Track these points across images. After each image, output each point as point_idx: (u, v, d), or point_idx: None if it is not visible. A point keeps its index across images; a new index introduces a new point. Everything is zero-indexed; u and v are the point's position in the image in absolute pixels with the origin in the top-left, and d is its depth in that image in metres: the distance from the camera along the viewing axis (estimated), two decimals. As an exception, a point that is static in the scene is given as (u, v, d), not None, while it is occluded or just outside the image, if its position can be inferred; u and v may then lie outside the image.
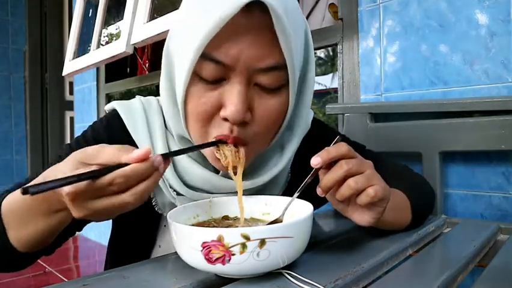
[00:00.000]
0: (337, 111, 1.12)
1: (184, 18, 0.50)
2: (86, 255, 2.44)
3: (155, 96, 0.64)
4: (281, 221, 0.49)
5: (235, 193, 0.57)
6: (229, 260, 0.39)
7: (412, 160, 0.94)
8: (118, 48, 1.73)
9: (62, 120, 3.36)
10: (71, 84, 3.16)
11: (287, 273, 0.43)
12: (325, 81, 3.37)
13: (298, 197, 0.50)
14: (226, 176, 0.57)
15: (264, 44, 0.46)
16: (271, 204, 0.54)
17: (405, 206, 0.62)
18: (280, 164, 0.60)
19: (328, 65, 3.42)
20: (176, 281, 0.43)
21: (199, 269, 0.42)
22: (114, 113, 0.62)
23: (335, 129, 0.80)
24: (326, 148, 0.47)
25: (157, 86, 0.86)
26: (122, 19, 1.79)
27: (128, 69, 2.65)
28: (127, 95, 2.43)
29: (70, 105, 3.22)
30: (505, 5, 0.88)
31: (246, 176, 0.53)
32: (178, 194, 0.58)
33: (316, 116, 0.72)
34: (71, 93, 3.03)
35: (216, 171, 0.57)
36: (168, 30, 0.55)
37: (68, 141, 3.25)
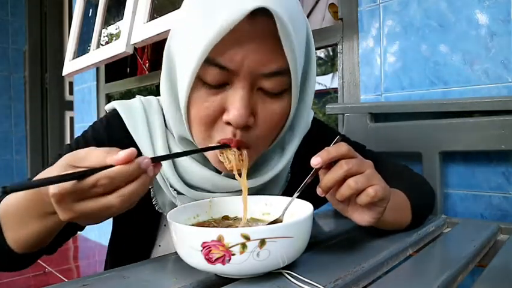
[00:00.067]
0: (337, 111, 1.12)
1: (186, 18, 0.50)
2: (86, 255, 2.44)
3: (156, 96, 0.64)
4: (281, 221, 0.49)
5: (235, 192, 0.57)
6: (229, 260, 0.39)
7: (412, 160, 0.94)
8: (118, 48, 1.73)
9: (62, 120, 3.36)
10: (71, 84, 3.16)
11: (287, 273, 0.43)
12: (325, 81, 3.37)
13: (298, 197, 0.50)
14: (227, 175, 0.57)
15: (268, 49, 0.46)
16: (271, 204, 0.54)
17: (405, 206, 0.62)
18: (280, 163, 0.60)
19: (328, 65, 3.42)
20: (176, 281, 0.43)
21: (199, 269, 0.42)
22: (114, 113, 0.62)
23: (335, 129, 0.80)
24: (326, 148, 0.47)
25: (157, 86, 0.86)
26: (122, 19, 1.79)
27: (128, 69, 2.65)
28: (127, 95, 2.43)
29: (69, 105, 3.22)
30: (505, 5, 0.88)
31: (247, 175, 0.53)
32: (179, 193, 0.58)
33: (317, 116, 0.72)
34: (71, 93, 3.03)
35: (217, 171, 0.57)
36: (168, 30, 0.55)
37: (68, 141, 3.25)
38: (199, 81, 0.48)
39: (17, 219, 0.48)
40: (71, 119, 3.19)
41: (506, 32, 0.88)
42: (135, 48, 1.74)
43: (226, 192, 0.58)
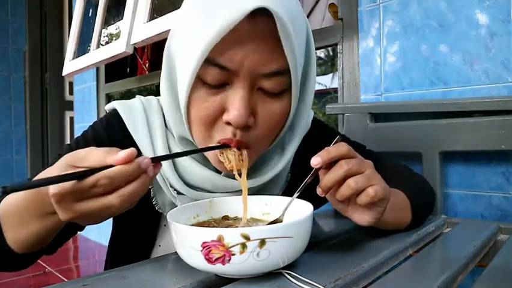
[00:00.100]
0: (337, 111, 1.12)
1: (186, 18, 0.50)
2: (86, 255, 2.44)
3: (156, 96, 0.64)
4: (281, 221, 0.49)
5: (235, 192, 0.57)
6: (229, 260, 0.39)
7: (412, 160, 0.94)
8: (118, 48, 1.73)
9: (62, 120, 3.36)
10: (71, 84, 3.16)
11: (287, 273, 0.43)
12: (325, 81, 3.37)
13: (298, 197, 0.50)
14: (227, 175, 0.57)
15: (268, 49, 0.46)
16: (271, 204, 0.54)
17: (405, 206, 0.62)
18: (280, 163, 0.60)
19: (328, 65, 3.42)
20: (176, 281, 0.43)
21: (199, 269, 0.42)
22: (114, 113, 0.62)
23: (335, 129, 0.80)
24: (326, 148, 0.47)
25: (157, 86, 0.86)
26: (122, 19, 1.79)
27: (128, 69, 2.65)
28: (127, 95, 2.43)
29: (69, 105, 3.22)
30: (505, 5, 0.88)
31: (247, 175, 0.53)
32: (179, 193, 0.58)
33: (317, 116, 0.72)
34: (71, 93, 3.03)
35: (217, 171, 0.57)
36: (168, 30, 0.55)
37: (68, 141, 3.26)
38: (199, 81, 0.48)
39: (17, 219, 0.48)
40: (71, 119, 3.19)
41: (506, 32, 0.88)
42: (135, 48, 1.74)
43: (226, 192, 0.58)
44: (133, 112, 0.61)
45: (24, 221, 0.47)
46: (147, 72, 2.41)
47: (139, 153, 0.58)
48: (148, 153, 0.58)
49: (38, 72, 3.32)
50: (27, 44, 3.29)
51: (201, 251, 0.39)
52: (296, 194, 0.50)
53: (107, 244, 0.72)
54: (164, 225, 0.64)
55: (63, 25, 3.33)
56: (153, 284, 0.43)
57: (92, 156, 0.39)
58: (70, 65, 2.14)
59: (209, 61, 0.46)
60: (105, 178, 0.37)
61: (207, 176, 0.56)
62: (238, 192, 0.55)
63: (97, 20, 2.04)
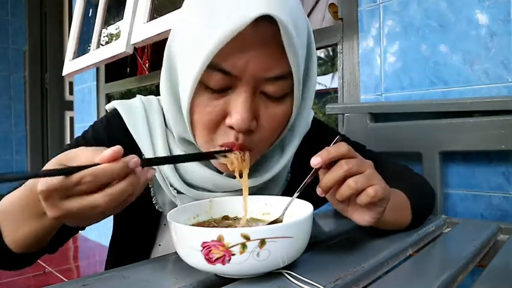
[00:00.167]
0: (337, 111, 1.12)
1: (187, 18, 0.50)
2: (86, 255, 2.44)
3: (156, 95, 0.64)
4: (281, 221, 0.49)
5: (236, 192, 0.57)
6: (229, 260, 0.39)
7: (412, 160, 0.94)
8: (118, 48, 1.73)
9: (62, 120, 3.36)
10: (71, 84, 3.16)
11: (287, 273, 0.43)
12: (325, 81, 3.38)
13: (298, 197, 0.50)
14: (227, 175, 0.57)
15: (271, 54, 0.46)
16: (271, 204, 0.54)
17: (406, 206, 0.62)
18: (280, 163, 0.60)
19: (328, 65, 3.42)
20: (176, 281, 0.43)
21: (199, 269, 0.42)
22: (114, 113, 0.62)
23: (335, 129, 0.80)
24: (326, 148, 0.47)
25: (157, 86, 0.86)
26: (122, 19, 1.79)
27: (128, 69, 2.65)
28: (127, 95, 2.43)
29: (69, 105, 3.23)
30: (505, 5, 0.88)
31: (247, 175, 0.53)
32: (179, 192, 0.58)
33: (317, 116, 0.72)
34: (71, 93, 3.03)
35: (217, 170, 0.57)
36: (169, 30, 0.55)
37: (68, 141, 3.25)
38: (202, 85, 0.48)
39: (13, 220, 0.48)
40: (71, 119, 3.19)
41: (506, 32, 0.88)
42: (135, 48, 1.74)
43: (227, 192, 0.58)
44: (133, 112, 0.61)
45: (20, 221, 0.47)
46: (147, 72, 2.41)
47: (139, 153, 0.59)
48: (148, 152, 0.58)
49: (38, 72, 3.33)
50: (27, 44, 3.29)
51: (201, 251, 0.39)
52: (296, 194, 0.50)
53: (107, 244, 0.72)
54: (164, 225, 0.64)
55: (63, 25, 3.33)
56: (153, 284, 0.43)
57: (81, 155, 0.39)
58: (70, 65, 2.14)
59: (212, 66, 0.46)
60: (89, 176, 0.37)
61: (207, 176, 0.56)
62: (239, 191, 0.55)
63: (97, 20, 2.04)
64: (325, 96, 3.29)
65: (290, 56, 0.46)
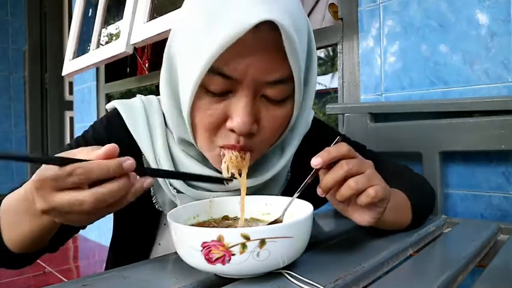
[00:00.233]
0: (337, 111, 1.12)
1: (188, 18, 0.50)
2: (86, 255, 2.44)
3: (156, 95, 0.64)
4: (281, 221, 0.49)
5: (235, 191, 0.57)
6: (229, 260, 0.39)
7: (412, 160, 0.94)
8: (117, 48, 1.73)
9: (62, 120, 3.36)
10: (70, 84, 3.17)
11: (287, 273, 0.43)
12: (325, 81, 3.37)
13: (298, 197, 0.50)
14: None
15: (272, 58, 0.46)
16: (271, 204, 0.54)
17: (406, 206, 0.62)
18: (280, 163, 0.60)
19: (328, 65, 3.42)
20: (176, 281, 0.43)
21: (199, 269, 0.42)
22: (115, 112, 0.62)
23: (335, 129, 0.80)
24: (327, 148, 0.47)
25: (157, 86, 0.86)
26: (122, 19, 1.79)
27: (128, 69, 2.65)
28: (127, 95, 2.43)
29: (69, 105, 3.23)
30: (505, 5, 0.88)
31: (247, 174, 0.53)
32: (179, 191, 0.58)
33: (317, 116, 0.72)
34: (71, 93, 3.03)
35: (216, 170, 0.57)
36: (169, 30, 0.55)
37: (68, 141, 3.25)
38: (203, 89, 0.48)
39: (11, 220, 0.48)
40: (71, 119, 3.19)
41: (506, 32, 0.88)
42: (135, 48, 1.74)
43: (226, 192, 0.58)
44: (133, 111, 0.61)
45: (18, 221, 0.47)
46: (147, 72, 2.41)
47: (139, 153, 0.59)
48: (148, 152, 0.58)
49: (38, 72, 3.33)
50: (27, 44, 3.29)
51: (201, 251, 0.39)
52: (296, 194, 0.50)
53: (107, 244, 0.72)
54: (164, 224, 0.64)
55: (63, 25, 3.33)
56: (153, 284, 0.43)
57: (79, 154, 0.40)
58: (70, 65, 2.14)
59: (213, 70, 0.46)
60: (82, 168, 0.37)
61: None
62: (238, 191, 0.55)
63: (96, 19, 2.04)
64: (325, 96, 3.29)
65: (292, 60, 0.46)
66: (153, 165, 0.58)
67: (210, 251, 0.39)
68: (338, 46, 1.22)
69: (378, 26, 1.10)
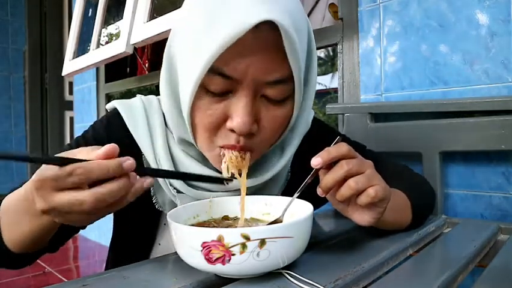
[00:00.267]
0: (337, 111, 1.12)
1: (188, 18, 0.50)
2: (86, 255, 2.44)
3: (156, 95, 0.64)
4: (281, 221, 0.49)
5: (235, 191, 0.57)
6: (229, 260, 0.39)
7: (412, 160, 0.94)
8: (117, 48, 1.73)
9: (62, 120, 3.36)
10: (70, 84, 3.16)
11: (287, 273, 0.43)
12: (325, 81, 3.37)
13: (298, 197, 0.50)
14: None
15: (271, 58, 0.46)
16: (271, 204, 0.54)
17: (406, 206, 0.62)
18: (280, 163, 0.60)
19: (328, 65, 3.42)
20: (176, 281, 0.43)
21: (199, 269, 0.42)
22: (115, 112, 0.62)
23: (335, 129, 0.80)
24: (327, 148, 0.47)
25: (157, 86, 0.86)
26: (122, 19, 1.79)
27: (128, 69, 2.65)
28: (127, 95, 2.43)
29: (69, 105, 3.23)
30: (505, 5, 0.88)
31: (246, 174, 0.53)
32: (178, 191, 0.58)
33: (317, 116, 0.72)
34: (71, 93, 3.03)
35: (216, 170, 0.57)
36: (169, 30, 0.55)
37: (68, 141, 3.25)
38: (202, 89, 0.48)
39: (11, 220, 0.48)
40: (71, 119, 3.19)
41: (506, 32, 0.88)
42: (135, 48, 1.74)
43: (226, 191, 0.58)
44: (133, 111, 0.61)
45: (17, 221, 0.47)
46: (147, 72, 2.41)
47: (139, 153, 0.59)
48: (148, 152, 0.58)
49: (38, 72, 3.33)
50: (27, 44, 3.29)
51: (201, 251, 0.39)
52: (296, 194, 0.50)
53: (107, 244, 0.72)
54: (164, 224, 0.64)
55: (63, 25, 3.33)
56: (153, 284, 0.43)
57: (78, 154, 0.40)
58: (70, 65, 2.14)
59: (212, 70, 0.46)
60: (81, 168, 0.37)
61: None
62: (238, 191, 0.55)
63: (96, 19, 2.04)
64: (325, 96, 3.29)
65: (292, 61, 0.46)
66: (153, 165, 0.58)
67: (210, 251, 0.39)
68: (338, 46, 1.22)
69: (378, 26, 1.10)
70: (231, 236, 0.38)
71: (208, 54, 0.44)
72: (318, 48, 1.33)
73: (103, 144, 0.41)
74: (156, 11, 1.69)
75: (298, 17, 0.48)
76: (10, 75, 3.36)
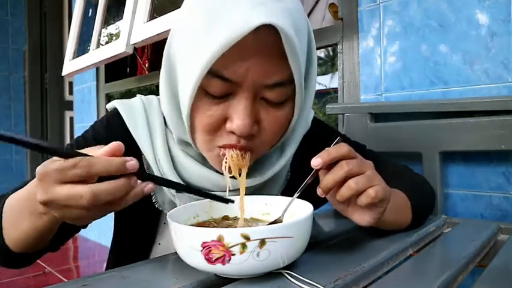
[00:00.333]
0: (337, 111, 1.12)
1: (187, 18, 0.49)
2: (86, 255, 2.44)
3: (156, 95, 0.64)
4: (281, 221, 0.49)
5: (234, 191, 0.57)
6: (229, 260, 0.39)
7: (412, 160, 0.94)
8: (117, 48, 1.73)
9: (62, 120, 3.36)
10: (70, 84, 3.16)
11: (287, 273, 0.43)
12: (325, 81, 3.37)
13: (298, 197, 0.50)
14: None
15: (271, 61, 0.46)
16: (271, 204, 0.54)
17: (406, 206, 0.62)
18: (280, 163, 0.60)
19: (328, 65, 3.42)
20: (176, 281, 0.43)
21: (199, 269, 0.42)
22: (115, 112, 0.62)
23: (335, 129, 0.80)
24: (327, 149, 0.47)
25: (157, 86, 0.86)
26: (122, 19, 1.79)
27: (128, 69, 2.65)
28: (127, 95, 2.43)
29: (69, 105, 3.23)
30: (505, 5, 0.88)
31: (246, 174, 0.53)
32: (178, 191, 0.58)
33: (317, 116, 0.72)
34: (71, 93, 3.03)
35: (215, 170, 0.57)
36: (169, 30, 0.55)
37: (68, 141, 3.25)
38: (202, 91, 0.48)
39: (13, 219, 0.48)
40: (71, 119, 3.19)
41: (506, 32, 0.88)
42: (135, 48, 1.74)
43: (225, 191, 0.58)
44: (133, 111, 0.61)
45: (19, 220, 0.47)
46: (147, 72, 2.41)
47: (139, 153, 0.59)
48: (147, 152, 0.58)
49: (38, 72, 3.32)
50: (27, 44, 3.29)
51: (201, 251, 0.39)
52: (296, 195, 0.50)
53: (107, 244, 0.73)
54: (164, 223, 0.64)
55: (63, 25, 3.33)
56: (153, 284, 0.43)
57: (86, 152, 0.40)
58: (70, 65, 2.14)
59: (212, 73, 0.46)
60: (85, 161, 0.37)
61: (205, 175, 0.56)
62: (238, 191, 0.55)
63: (96, 19, 2.04)
64: (325, 96, 3.29)
65: (292, 63, 0.46)
66: (153, 165, 0.58)
67: (210, 251, 0.39)
68: (338, 46, 1.22)
69: (378, 26, 1.10)
70: (231, 236, 0.38)
71: (208, 54, 0.44)
72: (318, 48, 1.33)
73: (102, 145, 0.42)
74: (156, 11, 1.69)
75: (298, 17, 0.48)
76: (10, 75, 3.36)
